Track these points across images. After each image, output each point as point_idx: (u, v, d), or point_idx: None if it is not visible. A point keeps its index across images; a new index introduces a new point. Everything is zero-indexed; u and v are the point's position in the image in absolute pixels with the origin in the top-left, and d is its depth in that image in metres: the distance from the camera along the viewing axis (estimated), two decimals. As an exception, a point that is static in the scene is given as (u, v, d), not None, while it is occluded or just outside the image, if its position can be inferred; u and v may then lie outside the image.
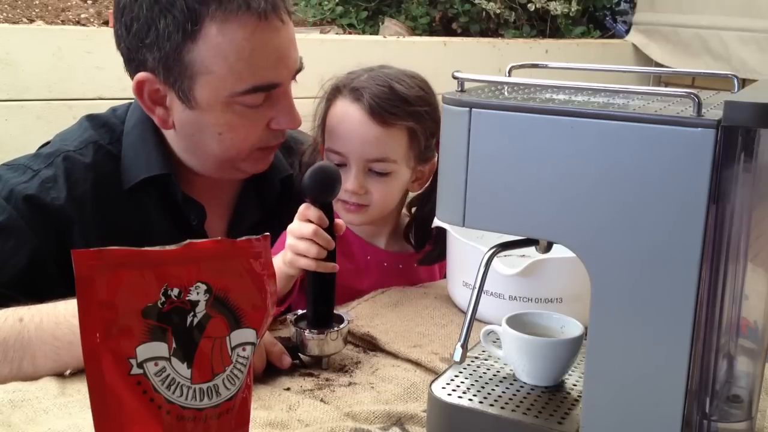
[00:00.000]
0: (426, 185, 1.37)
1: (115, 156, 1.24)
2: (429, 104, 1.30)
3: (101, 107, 1.33)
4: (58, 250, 1.15)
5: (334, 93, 1.31)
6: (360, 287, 1.31)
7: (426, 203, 1.38)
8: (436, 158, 1.34)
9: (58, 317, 0.98)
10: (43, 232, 1.16)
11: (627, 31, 3.38)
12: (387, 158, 1.27)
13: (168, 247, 0.64)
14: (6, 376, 0.97)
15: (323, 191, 1.07)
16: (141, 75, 1.16)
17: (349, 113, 1.27)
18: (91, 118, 1.29)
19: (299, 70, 1.22)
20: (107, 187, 1.22)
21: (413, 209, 1.41)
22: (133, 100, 1.28)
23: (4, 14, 2.39)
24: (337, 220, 1.10)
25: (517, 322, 0.92)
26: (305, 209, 1.08)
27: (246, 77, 1.13)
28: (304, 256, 1.06)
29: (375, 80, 1.28)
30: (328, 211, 1.08)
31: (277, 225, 1.21)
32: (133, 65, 1.18)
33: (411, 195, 1.41)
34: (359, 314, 1.18)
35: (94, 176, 1.22)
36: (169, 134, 1.25)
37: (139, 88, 1.17)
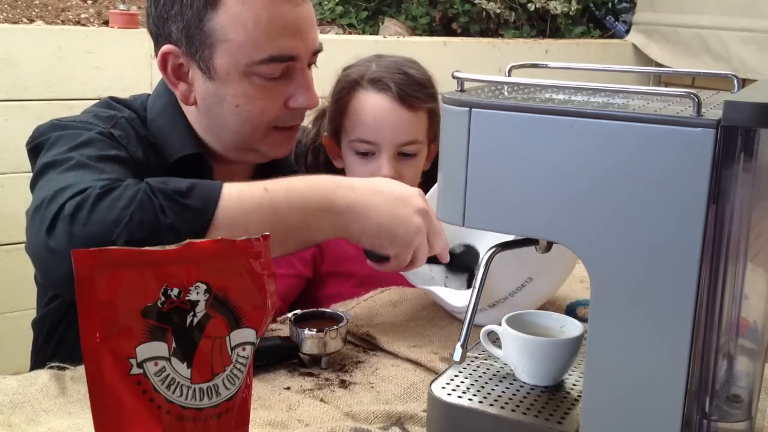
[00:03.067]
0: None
1: (147, 137, 1.25)
2: (435, 86, 1.39)
3: (106, 96, 1.33)
4: None
5: (352, 86, 1.37)
6: (360, 273, 1.35)
7: (435, 178, 1.42)
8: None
9: (297, 188, 1.04)
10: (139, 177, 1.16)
11: (627, 31, 3.38)
12: (416, 140, 1.37)
13: (168, 247, 0.64)
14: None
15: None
16: (165, 47, 1.19)
17: (377, 103, 1.34)
18: (117, 101, 1.29)
19: (318, 51, 1.24)
20: (153, 159, 1.22)
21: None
22: (147, 93, 1.31)
23: (4, 14, 2.39)
24: None
25: (516, 322, 0.92)
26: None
27: (263, 46, 1.16)
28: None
29: (390, 69, 1.36)
30: None
31: None
32: (159, 41, 1.21)
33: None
34: (359, 314, 1.18)
35: (145, 144, 1.22)
36: (191, 115, 1.26)
37: (164, 60, 1.21)
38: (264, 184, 1.03)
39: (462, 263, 1.22)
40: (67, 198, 0.96)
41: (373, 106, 1.34)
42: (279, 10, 1.16)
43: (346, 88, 1.38)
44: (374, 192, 1.07)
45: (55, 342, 1.25)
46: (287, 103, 1.22)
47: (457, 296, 1.14)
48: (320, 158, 1.46)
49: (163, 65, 1.21)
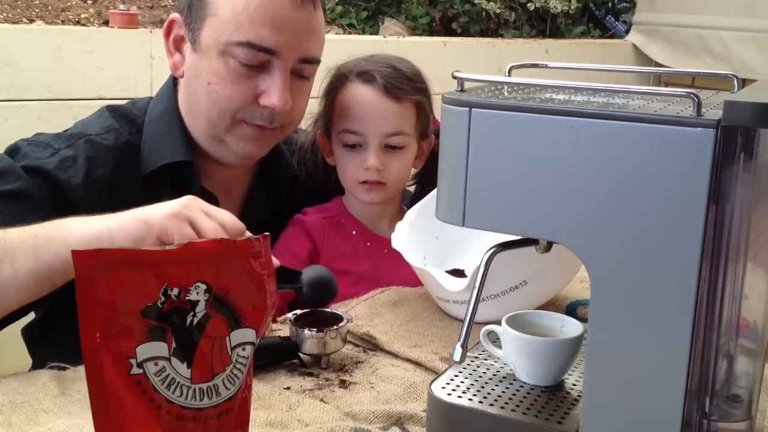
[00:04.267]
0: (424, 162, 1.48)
1: (135, 146, 1.27)
2: (425, 82, 1.43)
3: (105, 105, 1.34)
4: None
5: (340, 80, 1.40)
6: (357, 270, 1.37)
7: (430, 177, 1.47)
8: (433, 137, 1.46)
9: (42, 225, 0.99)
10: (55, 207, 1.16)
11: (627, 31, 3.37)
12: (402, 131, 1.38)
13: (168, 247, 0.64)
14: None
15: (323, 297, 1.11)
16: (173, 15, 1.25)
17: (363, 94, 1.37)
18: (112, 109, 1.32)
19: (308, 60, 1.25)
20: (125, 173, 1.25)
21: (415, 188, 1.53)
22: (150, 96, 1.34)
23: (4, 14, 2.39)
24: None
25: (516, 322, 0.92)
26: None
27: (245, 29, 1.18)
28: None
29: (378, 63, 1.39)
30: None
31: (285, 222, 1.22)
32: (175, 9, 1.27)
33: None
34: (359, 314, 1.18)
35: (114, 161, 1.24)
36: (182, 104, 1.29)
37: (169, 28, 1.26)
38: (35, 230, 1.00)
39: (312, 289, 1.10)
40: None
41: (359, 97, 1.37)
42: (272, 1, 1.18)
43: (335, 82, 1.41)
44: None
45: (53, 342, 1.25)
46: (258, 98, 1.22)
47: (453, 281, 1.14)
48: (318, 158, 1.47)
49: (167, 33, 1.26)
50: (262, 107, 1.23)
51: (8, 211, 1.13)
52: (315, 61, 1.27)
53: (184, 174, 1.26)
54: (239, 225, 0.99)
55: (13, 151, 1.22)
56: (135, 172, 1.26)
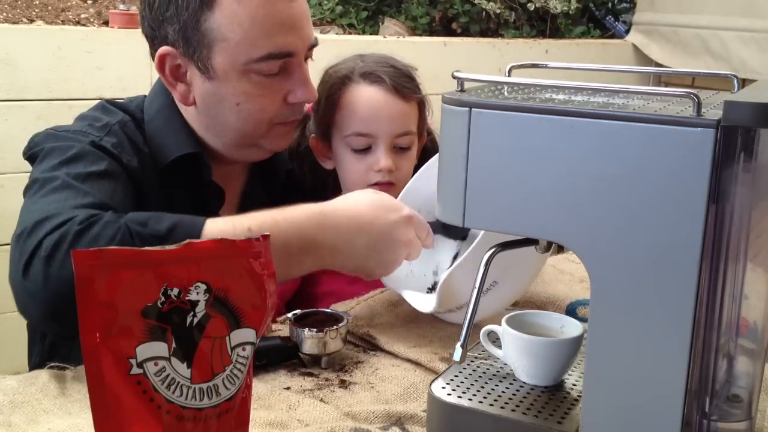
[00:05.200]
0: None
1: (143, 139, 1.26)
2: (417, 79, 1.41)
3: (101, 100, 1.33)
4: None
5: (343, 81, 1.36)
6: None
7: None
8: (425, 134, 1.46)
9: (280, 226, 1.02)
10: (132, 188, 1.16)
11: (627, 31, 3.38)
12: (410, 131, 1.37)
13: (168, 247, 0.64)
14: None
15: None
16: (163, 49, 1.20)
17: (372, 95, 1.34)
18: (112, 104, 1.30)
19: (314, 46, 1.25)
20: (148, 163, 1.23)
21: None
22: (143, 94, 1.31)
23: (4, 14, 2.39)
24: None
25: (516, 322, 0.92)
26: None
27: (260, 44, 1.17)
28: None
29: (379, 63, 1.37)
30: None
31: None
32: (155, 43, 1.21)
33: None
34: (359, 314, 1.18)
35: (140, 150, 1.23)
36: (190, 115, 1.27)
37: (161, 62, 1.21)
38: (249, 223, 1.02)
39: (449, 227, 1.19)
40: (45, 233, 0.95)
41: (369, 98, 1.34)
42: (275, 7, 1.17)
43: (337, 84, 1.37)
44: (358, 231, 1.06)
45: (53, 342, 1.25)
46: (287, 99, 1.23)
47: (424, 301, 1.13)
48: (305, 165, 1.45)
49: (161, 67, 1.21)
50: (291, 105, 1.23)
51: (113, 189, 1.10)
52: (317, 43, 1.27)
53: (193, 166, 1.26)
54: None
55: (47, 138, 1.17)
56: (152, 164, 1.24)
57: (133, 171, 1.18)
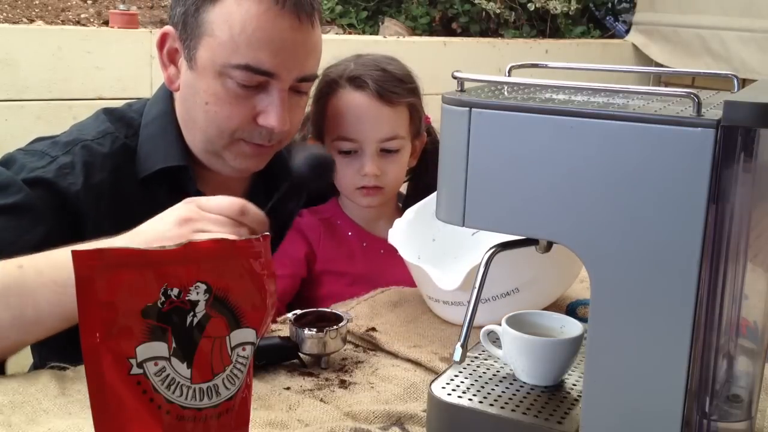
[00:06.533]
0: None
1: (131, 149, 1.26)
2: (415, 81, 1.42)
3: (101, 107, 1.34)
4: (72, 236, 1.14)
5: (330, 86, 1.38)
6: (353, 271, 1.37)
7: (422, 174, 1.48)
8: (425, 135, 1.46)
9: (57, 263, 0.97)
10: (58, 217, 1.17)
11: (627, 31, 3.38)
12: (397, 135, 1.37)
13: (168, 247, 0.64)
14: (9, 324, 0.96)
15: (321, 177, 1.15)
16: (166, 27, 1.23)
17: (356, 100, 1.35)
18: (108, 112, 1.31)
19: (305, 79, 1.23)
20: (123, 177, 1.24)
21: (408, 185, 1.53)
22: (146, 97, 1.32)
23: (4, 14, 2.39)
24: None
25: (516, 322, 0.92)
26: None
27: (242, 52, 1.16)
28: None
29: (368, 66, 1.37)
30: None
31: (282, 226, 1.21)
32: (168, 21, 1.26)
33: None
34: (359, 314, 1.18)
35: (111, 165, 1.23)
36: (178, 106, 1.28)
37: (162, 40, 1.24)
38: (19, 261, 0.99)
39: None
40: None
41: (352, 104, 1.35)
42: (269, 23, 1.15)
43: (325, 88, 1.38)
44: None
45: (53, 342, 1.25)
46: (256, 118, 1.21)
47: (446, 279, 1.12)
48: None
49: (161, 45, 1.24)
50: (260, 126, 1.21)
51: (13, 226, 1.13)
52: (312, 78, 1.26)
53: (179, 178, 1.26)
54: (235, 203, 0.98)
55: (8, 162, 1.20)
56: (132, 175, 1.25)
57: (73, 195, 1.18)
